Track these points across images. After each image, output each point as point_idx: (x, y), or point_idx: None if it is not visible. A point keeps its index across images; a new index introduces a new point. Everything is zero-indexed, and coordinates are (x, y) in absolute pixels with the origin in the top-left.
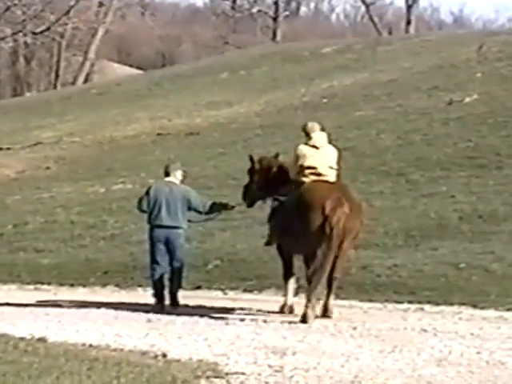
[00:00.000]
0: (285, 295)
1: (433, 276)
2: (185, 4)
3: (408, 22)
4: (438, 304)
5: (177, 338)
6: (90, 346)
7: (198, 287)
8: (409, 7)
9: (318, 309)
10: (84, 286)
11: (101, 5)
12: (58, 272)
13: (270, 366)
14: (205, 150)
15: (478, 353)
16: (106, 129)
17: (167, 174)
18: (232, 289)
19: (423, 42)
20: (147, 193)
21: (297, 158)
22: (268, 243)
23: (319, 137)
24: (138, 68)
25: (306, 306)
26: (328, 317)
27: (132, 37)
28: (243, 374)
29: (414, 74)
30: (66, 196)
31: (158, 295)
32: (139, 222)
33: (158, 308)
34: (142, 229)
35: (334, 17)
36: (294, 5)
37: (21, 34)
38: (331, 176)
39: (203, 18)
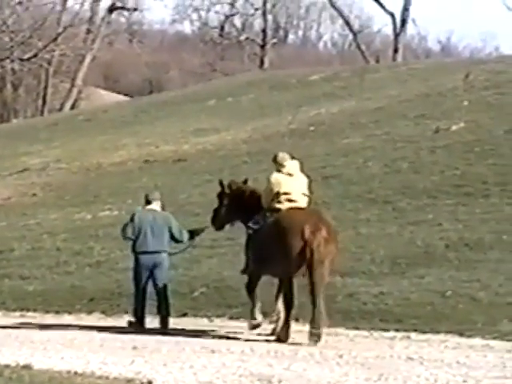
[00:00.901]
0: (252, 312)
1: (419, 304)
2: (173, 31)
3: (395, 50)
4: (424, 332)
5: (162, 365)
6: (75, 373)
7: (184, 314)
8: (396, 35)
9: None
10: (70, 312)
11: (88, 31)
12: (43, 299)
13: None
14: (192, 176)
15: (464, 381)
16: (93, 155)
17: (148, 202)
18: (218, 316)
19: (410, 70)
20: (132, 220)
21: (272, 185)
22: (244, 271)
23: (292, 165)
24: (126, 95)
25: (284, 326)
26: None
27: (119, 63)
28: None
29: (401, 101)
30: (52, 223)
31: (139, 320)
32: (125, 249)
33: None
34: (128, 256)
35: (321, 44)
36: (281, 32)
37: (8, 60)
38: (303, 202)
39: (191, 45)
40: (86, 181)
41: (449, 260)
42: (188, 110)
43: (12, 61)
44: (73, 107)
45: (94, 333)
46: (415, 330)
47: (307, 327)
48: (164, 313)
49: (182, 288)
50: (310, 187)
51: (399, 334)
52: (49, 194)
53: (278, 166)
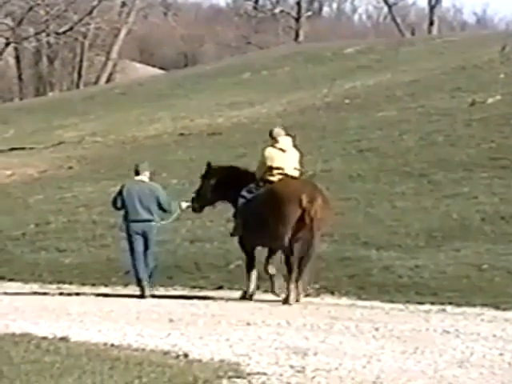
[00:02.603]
0: (247, 285)
1: (455, 277)
2: (207, 4)
3: (431, 23)
4: (460, 305)
5: (198, 338)
6: (112, 345)
7: (220, 287)
8: (431, 8)
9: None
10: (106, 285)
11: (123, 5)
12: (79, 272)
13: (291, 367)
14: (226, 149)
15: (501, 354)
16: (129, 129)
17: (137, 173)
18: None
19: (446, 42)
20: (120, 192)
21: (265, 159)
22: (232, 234)
23: (285, 140)
24: (161, 68)
25: (289, 290)
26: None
27: (154, 37)
28: (265, 374)
29: (436, 74)
30: (88, 196)
31: (142, 285)
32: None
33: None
34: (164, 228)
35: (356, 17)
36: (316, 5)
37: (44, 33)
38: (294, 176)
39: (226, 18)
40: (121, 154)
41: (485, 233)
42: (223, 83)
43: (48, 34)
44: (108, 80)
45: (131, 305)
46: (451, 303)
47: (343, 300)
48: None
49: (218, 261)
50: (301, 162)
51: (435, 308)
52: (84, 167)
53: (272, 141)
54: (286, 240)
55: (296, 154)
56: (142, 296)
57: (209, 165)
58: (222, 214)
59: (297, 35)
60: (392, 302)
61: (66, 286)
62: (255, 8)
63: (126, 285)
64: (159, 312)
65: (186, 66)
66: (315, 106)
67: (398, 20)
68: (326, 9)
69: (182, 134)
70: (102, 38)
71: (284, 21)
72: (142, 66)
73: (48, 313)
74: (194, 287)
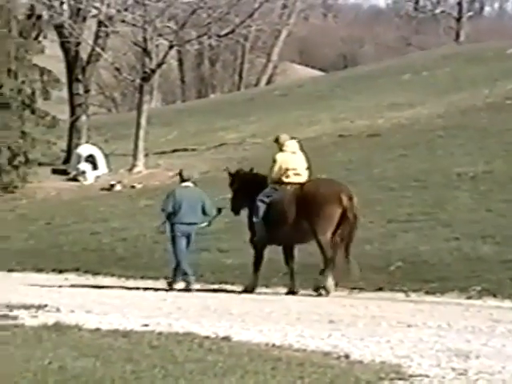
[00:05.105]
0: (254, 282)
1: None
2: (367, 5)
3: None
4: None
5: (359, 339)
6: (274, 345)
7: (380, 288)
8: None
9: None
10: (266, 286)
11: (284, 7)
12: (240, 272)
13: (453, 369)
14: (386, 151)
15: None
16: (288, 130)
17: (183, 180)
18: (414, 291)
19: None
20: (172, 196)
21: (280, 163)
22: (255, 240)
23: (293, 144)
24: (320, 69)
25: (328, 279)
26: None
27: (314, 38)
28: (427, 376)
29: None
30: None
31: (175, 278)
32: None
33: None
34: None
35: None
36: (477, 5)
37: (206, 36)
38: (306, 176)
39: (386, 19)
40: None
41: None
42: (383, 84)
43: (209, 37)
44: (268, 82)
45: (291, 306)
46: None
47: (505, 303)
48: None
49: (378, 262)
50: (308, 162)
51: None
52: (246, 169)
53: (281, 146)
54: (328, 235)
55: (303, 157)
56: (188, 290)
57: (230, 173)
58: (383, 215)
59: (457, 35)
60: None
61: (227, 286)
62: (416, 9)
63: (285, 285)
64: (320, 313)
65: (345, 67)
66: (476, 107)
67: None
68: (487, 8)
69: (341, 136)
70: (263, 40)
71: (445, 21)
72: (301, 67)
73: (210, 312)
74: (354, 288)
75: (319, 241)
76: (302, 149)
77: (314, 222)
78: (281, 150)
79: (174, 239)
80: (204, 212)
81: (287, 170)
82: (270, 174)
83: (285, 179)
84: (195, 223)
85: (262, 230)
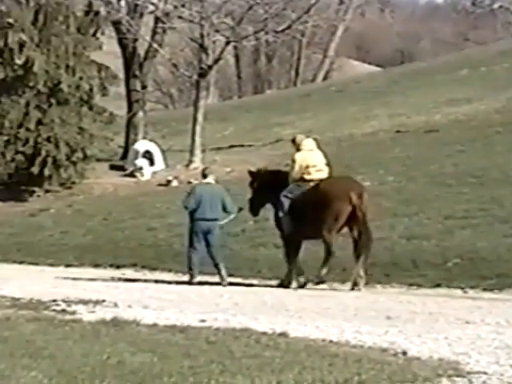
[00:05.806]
0: (299, 274)
1: None
2: (424, 0)
3: None
4: None
5: (416, 335)
6: (331, 341)
7: (438, 285)
8: None
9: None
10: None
11: (341, 2)
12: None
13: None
14: (444, 147)
15: None
16: (345, 126)
17: (204, 176)
18: (472, 287)
19: None
20: (194, 192)
21: (301, 161)
22: (285, 235)
23: (309, 142)
24: (377, 65)
25: (357, 276)
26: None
27: (371, 34)
28: (485, 373)
29: None
30: None
31: (192, 272)
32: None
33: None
34: (382, 225)
35: None
36: None
37: (262, 32)
38: (327, 171)
39: (443, 14)
40: (337, 151)
41: None
42: (440, 80)
43: (266, 33)
44: (325, 78)
45: (348, 302)
46: None
47: None
48: (217, 262)
49: (435, 258)
50: (327, 158)
51: None
52: None
53: (298, 146)
54: (333, 233)
55: (321, 153)
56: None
57: (250, 172)
58: (440, 211)
59: None
60: None
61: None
62: (473, 4)
63: (343, 282)
64: (377, 309)
65: (402, 63)
66: None
67: None
68: None
69: (398, 131)
70: (320, 35)
71: (503, 16)
72: (358, 63)
73: (267, 308)
74: (411, 285)
75: (323, 237)
76: (319, 147)
77: (322, 218)
78: (298, 149)
79: (191, 236)
80: (225, 209)
81: (307, 167)
82: (291, 174)
83: (307, 176)
84: (216, 219)
85: (289, 224)
